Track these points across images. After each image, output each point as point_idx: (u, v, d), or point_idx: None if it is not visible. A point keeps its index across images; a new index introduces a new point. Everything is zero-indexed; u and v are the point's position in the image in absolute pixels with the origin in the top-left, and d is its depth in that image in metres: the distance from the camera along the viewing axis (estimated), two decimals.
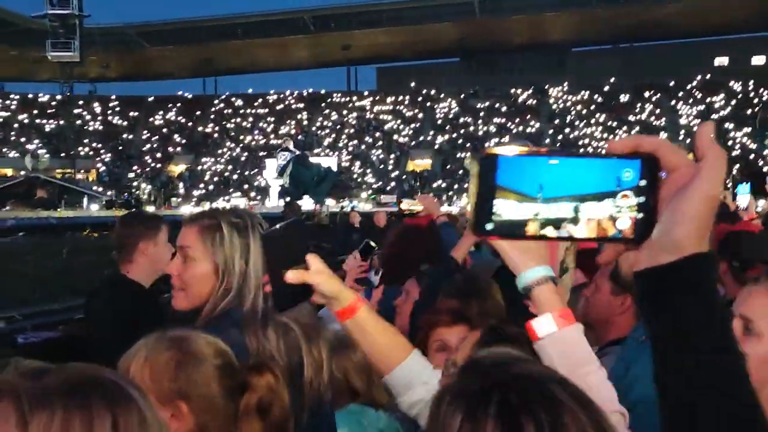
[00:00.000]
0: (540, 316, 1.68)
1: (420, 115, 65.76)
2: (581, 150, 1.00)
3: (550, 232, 0.98)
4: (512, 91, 65.85)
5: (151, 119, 68.38)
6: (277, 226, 2.13)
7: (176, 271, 2.49)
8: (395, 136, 63.75)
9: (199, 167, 61.95)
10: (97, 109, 69.05)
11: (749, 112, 58.53)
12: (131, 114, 68.57)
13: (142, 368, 1.92)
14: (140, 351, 1.96)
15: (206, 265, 2.44)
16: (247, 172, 59.60)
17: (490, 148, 0.98)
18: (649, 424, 2.45)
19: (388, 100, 67.75)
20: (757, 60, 63.97)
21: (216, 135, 66.33)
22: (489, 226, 0.98)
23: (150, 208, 39.80)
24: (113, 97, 71.18)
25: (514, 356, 1.52)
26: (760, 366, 1.86)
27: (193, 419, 1.94)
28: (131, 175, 60.07)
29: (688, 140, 57.43)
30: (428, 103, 66.79)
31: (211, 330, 2.13)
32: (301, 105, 68.79)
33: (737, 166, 47.80)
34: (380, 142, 63.18)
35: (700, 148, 0.99)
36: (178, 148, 65.12)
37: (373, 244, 4.59)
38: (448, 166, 58.41)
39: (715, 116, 59.75)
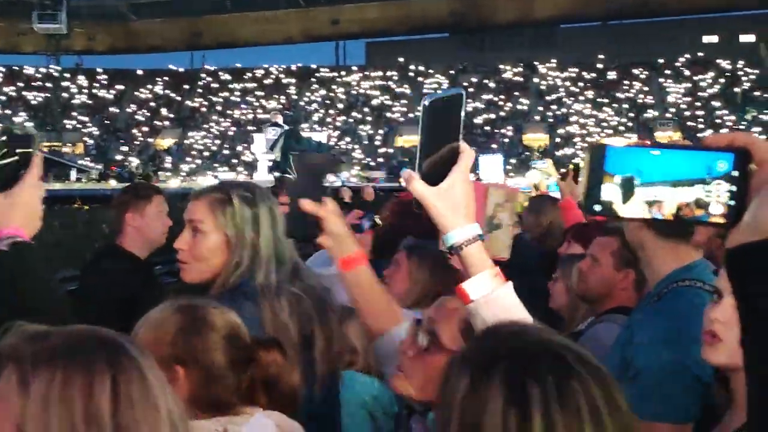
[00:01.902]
0: (474, 277, 1.68)
1: (409, 91, 65.56)
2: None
3: (648, 213, 1.12)
4: (501, 67, 65.69)
5: (138, 93, 67.91)
6: (307, 161, 2.14)
7: (186, 245, 2.52)
8: (384, 112, 63.58)
9: (187, 141, 61.67)
10: (84, 82, 68.49)
11: (737, 90, 58.64)
12: (118, 87, 68.05)
13: (147, 330, 1.99)
14: (151, 316, 2.02)
15: (217, 238, 2.48)
16: (235, 147, 59.38)
17: (601, 139, 1.13)
18: (655, 389, 2.52)
19: (377, 75, 67.48)
20: (746, 38, 63.94)
21: (204, 109, 65.98)
22: (597, 207, 1.12)
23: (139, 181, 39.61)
24: (100, 70, 70.58)
25: (531, 324, 1.54)
26: None
27: (188, 386, 1.98)
28: (123, 149, 59.72)
29: (676, 118, 57.58)
30: (418, 79, 66.58)
31: (224, 302, 2.17)
32: (290, 80, 68.42)
33: None
34: (369, 118, 63.02)
35: None
36: (166, 122, 64.76)
37: (379, 221, 4.63)
38: None
39: (702, 94, 59.89)
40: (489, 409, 1.23)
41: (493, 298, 1.67)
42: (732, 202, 1.11)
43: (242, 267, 2.45)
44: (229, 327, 2.03)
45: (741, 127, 53.88)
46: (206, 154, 59.45)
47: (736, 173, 1.11)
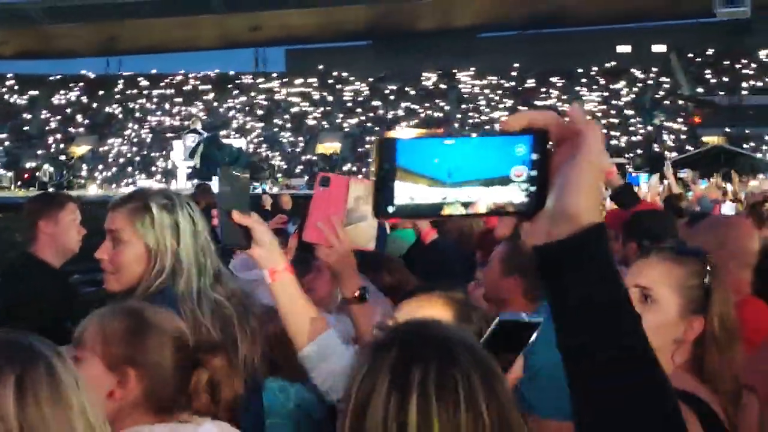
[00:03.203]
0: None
1: (329, 98, 65.61)
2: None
3: (446, 210, 1.01)
4: (421, 75, 66.27)
5: (52, 98, 66.31)
6: (236, 173, 2.22)
7: (106, 255, 2.50)
8: (304, 119, 63.46)
9: (103, 148, 60.47)
10: None
11: (649, 98, 60.38)
12: (31, 93, 66.34)
13: (96, 333, 1.95)
14: (96, 318, 1.99)
15: (138, 247, 2.47)
16: (153, 154, 58.47)
17: (388, 132, 1.03)
18: (554, 387, 2.56)
19: (297, 82, 67.32)
20: (657, 48, 65.90)
21: (120, 116, 64.80)
22: (390, 209, 1.00)
23: (51, 190, 38.64)
24: (10, 75, 68.67)
25: (436, 321, 1.62)
26: (657, 331, 2.08)
27: (140, 387, 1.95)
28: (36, 156, 58.17)
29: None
30: (338, 86, 66.66)
31: None
32: (209, 86, 67.73)
33: (638, 152, 49.34)
34: (289, 125, 62.82)
35: (577, 124, 1.03)
36: (81, 129, 63.38)
37: None
38: (358, 149, 58.51)
39: (616, 102, 61.47)
40: (375, 392, 1.34)
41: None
42: (533, 188, 1.02)
43: (164, 274, 2.44)
44: (176, 330, 2.02)
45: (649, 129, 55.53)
46: (122, 161, 58.39)
47: (535, 156, 1.02)
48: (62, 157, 53.83)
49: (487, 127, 59.75)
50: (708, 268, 2.27)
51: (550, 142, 1.04)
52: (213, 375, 2.01)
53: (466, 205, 1.01)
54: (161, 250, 2.45)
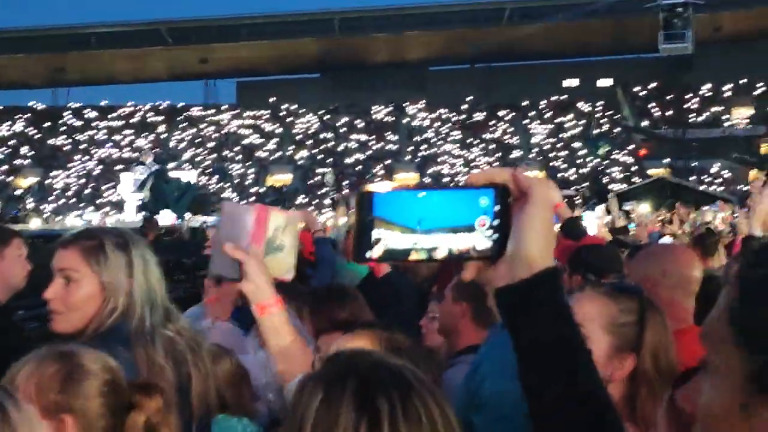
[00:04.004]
0: None
1: (280, 131, 65.56)
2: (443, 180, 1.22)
3: (417, 255, 1.13)
4: (372, 108, 66.60)
5: None
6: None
7: (56, 295, 2.43)
8: (255, 151, 63.28)
9: (48, 181, 59.59)
10: None
11: (596, 132, 61.39)
12: None
13: (28, 379, 1.90)
14: (28, 363, 1.93)
15: (91, 286, 2.42)
16: (101, 186, 57.76)
17: (367, 185, 1.14)
18: (503, 414, 2.58)
19: (248, 114, 67.20)
20: (603, 82, 67.15)
21: (67, 148, 63.96)
22: (368, 254, 1.12)
23: None
24: None
25: (370, 351, 1.66)
26: None
27: None
28: None
29: (540, 158, 59.73)
30: (288, 119, 66.67)
31: (97, 347, 2.11)
32: (158, 118, 67.27)
33: (586, 185, 50.01)
34: (239, 157, 62.58)
35: (524, 183, 1.17)
36: (27, 161, 62.40)
37: None
38: (309, 182, 58.48)
39: (564, 135, 62.37)
40: (341, 421, 1.37)
41: None
42: (495, 236, 1.15)
43: (116, 312, 2.40)
44: (106, 371, 1.99)
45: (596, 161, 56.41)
46: (69, 194, 57.56)
47: (497, 208, 1.15)
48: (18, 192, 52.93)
49: (440, 159, 60.23)
50: (642, 305, 2.28)
51: (511, 198, 1.16)
52: (149, 417, 1.98)
53: (430, 251, 1.12)
54: (115, 288, 2.41)
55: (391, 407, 1.38)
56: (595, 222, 10.83)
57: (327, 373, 1.47)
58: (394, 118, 66.17)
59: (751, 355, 0.91)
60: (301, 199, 54.07)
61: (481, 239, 1.15)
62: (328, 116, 66.57)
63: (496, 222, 1.15)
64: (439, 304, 3.73)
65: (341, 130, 65.14)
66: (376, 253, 1.12)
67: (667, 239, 10.66)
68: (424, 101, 66.41)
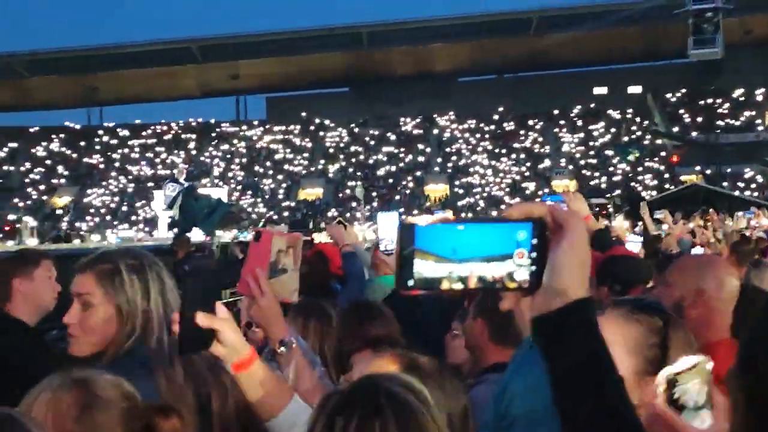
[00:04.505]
0: None
1: (310, 145, 65.82)
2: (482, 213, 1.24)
3: (454, 284, 1.18)
4: (401, 120, 66.66)
5: (33, 150, 66.18)
6: (186, 268, 2.17)
7: (75, 320, 2.45)
8: (286, 166, 63.56)
9: (85, 199, 60.28)
10: None
11: (626, 139, 60.89)
12: (11, 145, 66.21)
13: (46, 409, 1.89)
14: (44, 391, 1.92)
15: (108, 310, 2.44)
16: (135, 204, 58.33)
17: (410, 218, 1.19)
18: None
19: (278, 129, 67.56)
20: (633, 89, 66.69)
21: (102, 166, 64.71)
22: (410, 282, 1.17)
23: (34, 242, 38.38)
24: None
25: (389, 375, 1.68)
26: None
27: None
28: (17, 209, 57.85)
29: (571, 166, 59.36)
30: (319, 133, 66.92)
31: (117, 370, 2.12)
32: (190, 135, 67.85)
33: (618, 192, 49.62)
34: (271, 172, 62.89)
35: (560, 217, 1.21)
36: (63, 180, 63.21)
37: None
38: (340, 195, 58.60)
39: (594, 143, 61.94)
40: None
41: None
42: (533, 268, 1.20)
43: (134, 335, 2.42)
44: (124, 398, 1.98)
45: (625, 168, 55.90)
46: (104, 211, 58.18)
47: (535, 241, 1.20)
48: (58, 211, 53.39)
49: (471, 170, 60.08)
50: (666, 324, 2.22)
51: (548, 232, 1.21)
52: None
53: (466, 280, 1.18)
54: (132, 311, 2.42)
55: (344, 427, 1.48)
56: (623, 227, 10.67)
57: (333, 395, 1.59)
58: (423, 130, 66.15)
59: None
60: (333, 212, 54.17)
61: (519, 271, 1.20)
62: (358, 129, 66.72)
63: (534, 254, 1.20)
64: (462, 322, 3.72)
65: (371, 143, 65.24)
66: (416, 282, 1.17)
67: (699, 249, 10.51)
68: (453, 112, 66.33)
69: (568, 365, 1.17)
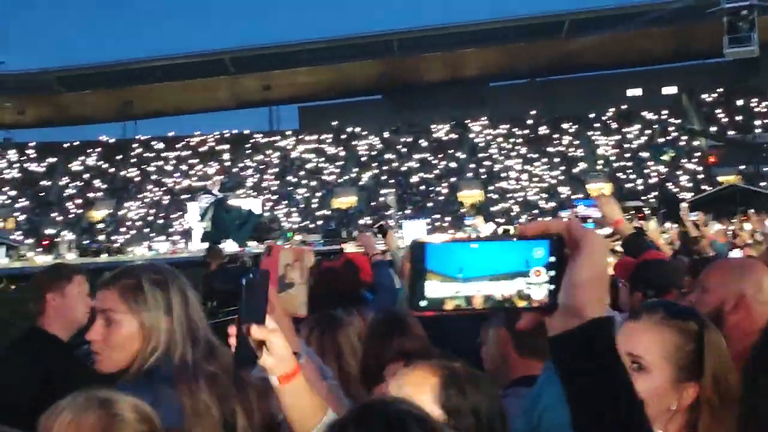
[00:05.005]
0: None
1: (343, 153, 66.02)
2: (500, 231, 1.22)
3: (468, 304, 1.14)
4: (433, 126, 66.65)
5: (70, 165, 67.12)
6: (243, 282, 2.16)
7: (99, 336, 2.44)
8: (319, 175, 63.80)
9: (121, 212, 60.95)
10: (14, 156, 67.55)
11: (662, 140, 60.31)
12: (49, 160, 67.21)
13: (67, 429, 1.89)
14: (65, 411, 1.92)
15: (131, 326, 2.42)
16: (170, 216, 58.86)
17: (421, 238, 1.15)
18: None
19: (311, 138, 67.86)
20: (668, 90, 66.08)
21: (138, 179, 65.41)
22: (422, 303, 1.14)
23: (71, 256, 38.90)
24: (31, 143, 69.74)
25: (399, 399, 1.68)
26: (649, 401, 1.99)
27: None
28: (56, 223, 58.67)
29: (606, 169, 58.93)
30: (351, 141, 67.11)
31: (141, 387, 2.12)
32: (224, 146, 68.38)
33: (654, 194, 49.16)
34: (304, 181, 63.16)
35: (577, 233, 1.16)
36: (99, 194, 63.99)
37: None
38: (373, 203, 58.66)
39: (629, 145, 61.46)
40: None
41: None
42: (552, 287, 1.15)
43: (158, 351, 2.40)
44: (143, 421, 1.98)
45: (662, 170, 55.32)
46: (140, 224, 58.76)
47: (553, 259, 1.15)
48: (99, 225, 54.03)
49: (504, 175, 59.88)
50: (701, 328, 2.20)
51: (566, 249, 1.16)
52: None
53: (469, 300, 1.14)
54: (155, 327, 2.41)
55: None
56: (656, 230, 10.50)
57: (339, 419, 1.60)
58: (456, 136, 66.08)
59: None
60: (366, 220, 54.25)
61: (537, 290, 1.16)
62: (390, 136, 66.81)
63: (552, 273, 1.16)
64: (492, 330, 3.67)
65: (403, 150, 65.29)
66: (429, 303, 1.14)
67: (737, 251, 10.31)
68: (485, 117, 66.20)
69: (585, 385, 1.14)
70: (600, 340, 1.14)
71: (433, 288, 1.14)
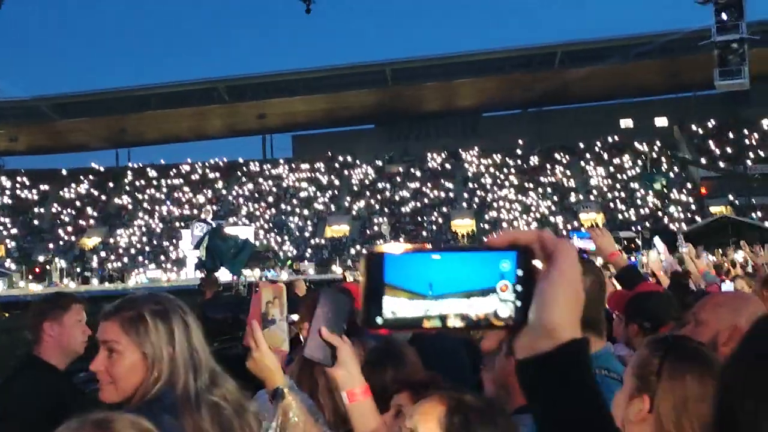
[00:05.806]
0: None
1: (336, 182, 66.11)
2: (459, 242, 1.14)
3: (433, 323, 1.02)
4: (427, 155, 66.84)
5: (62, 192, 67.03)
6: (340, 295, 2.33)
7: (102, 367, 2.46)
8: (312, 204, 63.84)
9: (113, 240, 60.80)
10: (6, 183, 67.47)
11: (654, 171, 60.57)
12: (41, 187, 67.12)
13: None
14: None
15: (134, 357, 2.44)
16: (163, 244, 58.73)
17: (378, 246, 1.04)
18: None
19: (304, 167, 67.96)
20: (660, 122, 66.46)
21: (130, 207, 65.33)
22: (379, 320, 1.02)
23: (66, 281, 38.82)
24: (22, 170, 69.68)
25: None
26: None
27: None
28: (47, 250, 58.46)
29: (599, 199, 59.11)
30: (345, 170, 67.23)
31: (144, 415, 2.13)
32: (217, 174, 68.42)
33: (646, 224, 49.28)
34: (297, 210, 63.17)
35: (550, 245, 1.05)
36: (92, 221, 63.85)
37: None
38: (367, 232, 58.67)
39: (622, 176, 61.70)
40: None
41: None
42: (518, 303, 1.04)
43: (161, 381, 2.42)
44: None
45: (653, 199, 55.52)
46: (132, 252, 58.60)
47: (520, 272, 1.04)
48: (74, 251, 53.90)
49: (497, 204, 60.00)
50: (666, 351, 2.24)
51: (536, 261, 1.05)
52: None
53: (444, 318, 1.02)
54: (157, 357, 2.43)
55: None
56: (656, 260, 10.49)
57: None
58: (449, 165, 66.27)
59: None
60: (359, 249, 54.21)
61: (502, 306, 1.03)
62: (383, 165, 66.96)
63: (519, 287, 1.04)
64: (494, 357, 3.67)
65: (396, 179, 65.42)
66: (386, 320, 1.02)
67: (729, 284, 10.33)
68: (478, 147, 66.44)
69: (558, 416, 1.02)
70: (575, 365, 1.03)
71: (400, 305, 1.02)
